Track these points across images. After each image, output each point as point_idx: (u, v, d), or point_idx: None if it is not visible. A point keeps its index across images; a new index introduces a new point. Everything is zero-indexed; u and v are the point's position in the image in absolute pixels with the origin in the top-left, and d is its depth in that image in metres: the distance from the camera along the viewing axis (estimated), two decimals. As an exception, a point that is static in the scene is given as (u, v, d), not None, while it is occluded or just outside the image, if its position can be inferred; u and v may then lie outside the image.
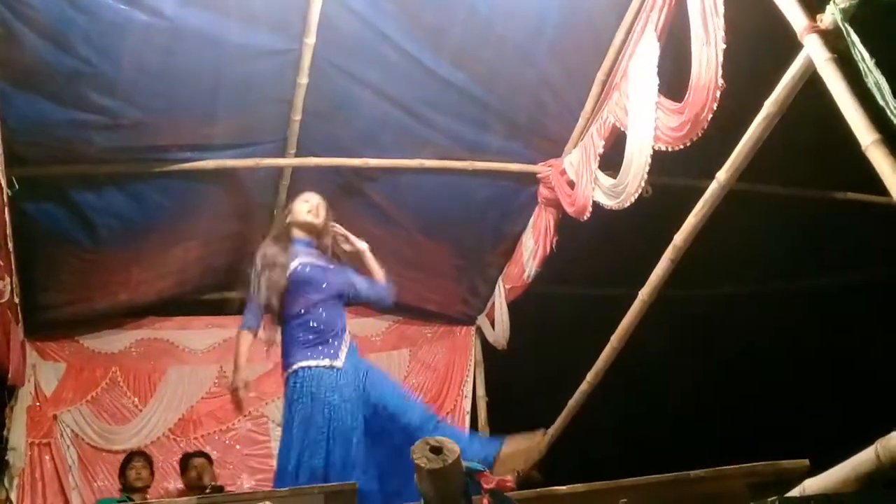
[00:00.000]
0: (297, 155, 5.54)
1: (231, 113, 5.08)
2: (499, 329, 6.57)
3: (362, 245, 4.43)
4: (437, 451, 2.11)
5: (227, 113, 5.07)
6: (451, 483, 2.13)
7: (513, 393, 6.79)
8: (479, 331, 7.03)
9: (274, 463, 6.27)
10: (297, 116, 5.25)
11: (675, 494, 2.64)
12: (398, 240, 6.30)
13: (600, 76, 5.03)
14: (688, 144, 4.15)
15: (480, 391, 6.93)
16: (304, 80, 4.97)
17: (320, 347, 4.00)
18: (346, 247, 4.43)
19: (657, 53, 4.28)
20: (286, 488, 3.13)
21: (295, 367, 3.96)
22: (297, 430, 3.80)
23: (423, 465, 2.08)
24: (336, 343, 4.04)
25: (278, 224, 4.39)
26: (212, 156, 5.33)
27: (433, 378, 6.96)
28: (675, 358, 6.57)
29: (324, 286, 4.16)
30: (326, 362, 3.97)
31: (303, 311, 4.07)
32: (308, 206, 4.36)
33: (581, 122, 5.32)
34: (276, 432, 6.40)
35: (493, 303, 6.66)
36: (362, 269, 4.43)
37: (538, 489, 2.56)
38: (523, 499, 2.33)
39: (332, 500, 2.38)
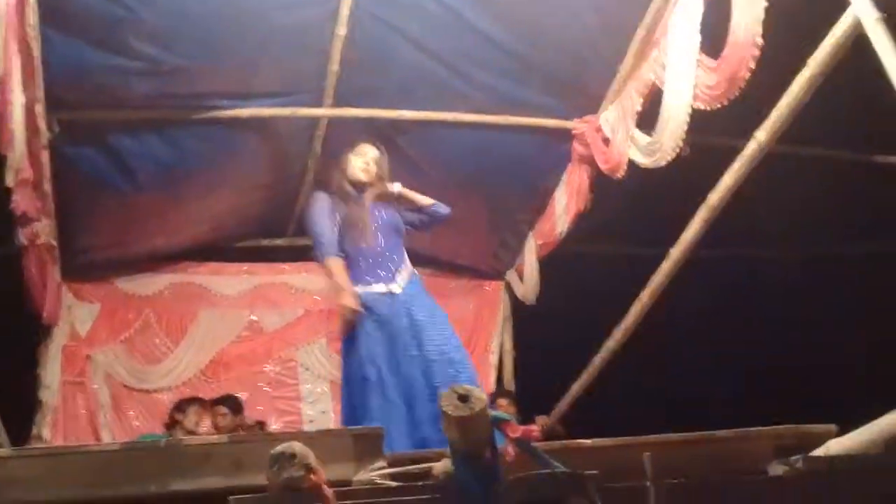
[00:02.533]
0: (333, 106, 5.53)
1: (269, 62, 5.09)
2: (528, 284, 6.58)
3: (396, 188, 4.38)
4: (464, 398, 2.13)
5: (265, 61, 5.08)
6: (477, 431, 2.15)
7: (540, 348, 6.81)
8: (509, 286, 7.03)
9: (301, 405, 6.46)
10: (335, 67, 5.23)
11: (700, 453, 2.64)
12: (430, 193, 6.16)
13: (641, 32, 4.96)
14: (725, 104, 4.10)
15: (508, 346, 6.95)
16: (342, 30, 4.95)
17: (379, 272, 4.01)
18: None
19: (701, 9, 4.20)
20: (312, 431, 3.19)
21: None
22: (352, 360, 3.87)
23: (450, 412, 2.10)
24: (393, 269, 4.03)
25: (335, 171, 4.38)
26: (249, 104, 5.33)
27: (461, 331, 6.80)
28: (705, 318, 6.53)
29: (376, 225, 4.16)
30: (382, 287, 3.97)
31: (358, 247, 4.08)
32: (361, 163, 4.32)
33: (619, 78, 5.26)
34: (305, 376, 6.54)
35: (524, 258, 6.66)
36: (411, 207, 4.43)
37: (564, 441, 2.58)
38: (549, 450, 2.35)
39: (360, 441, 2.42)
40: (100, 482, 2.20)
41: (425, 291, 4.14)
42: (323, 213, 4.20)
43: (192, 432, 5.59)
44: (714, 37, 4.16)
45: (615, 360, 5.55)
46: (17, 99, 3.99)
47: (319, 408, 6.39)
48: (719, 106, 4.14)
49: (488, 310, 7.04)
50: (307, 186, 6.28)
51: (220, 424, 5.72)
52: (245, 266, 6.83)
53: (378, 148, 4.42)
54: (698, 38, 4.23)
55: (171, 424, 5.63)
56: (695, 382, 6.65)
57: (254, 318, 6.66)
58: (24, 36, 4.01)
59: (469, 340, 6.93)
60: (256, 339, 6.60)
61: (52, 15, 4.29)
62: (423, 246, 6.96)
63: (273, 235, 6.95)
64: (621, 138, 5.06)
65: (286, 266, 6.90)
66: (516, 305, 6.98)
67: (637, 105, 4.94)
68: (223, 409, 5.76)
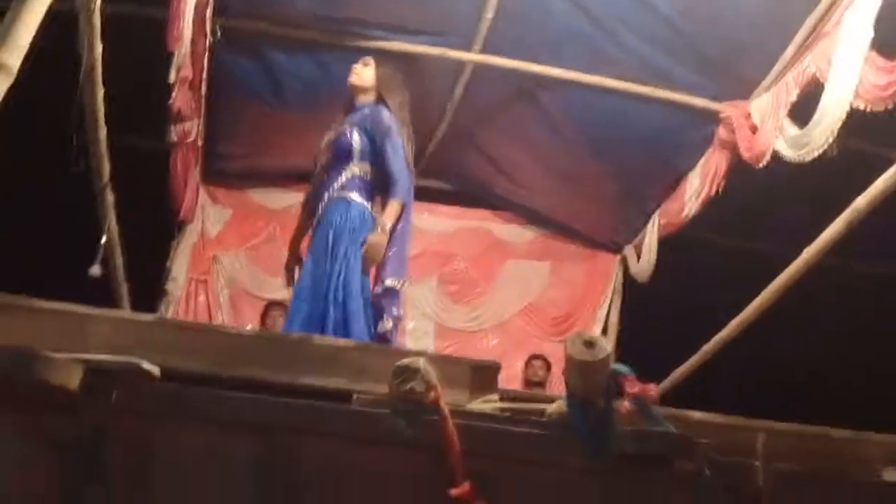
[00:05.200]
0: (481, 52, 5.55)
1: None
2: (644, 262, 6.52)
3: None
4: (590, 344, 2.16)
5: (423, -1, 5.14)
6: (596, 378, 2.19)
7: (646, 327, 6.75)
8: (624, 260, 6.98)
9: (405, 340, 6.58)
10: (489, 14, 5.24)
11: (810, 447, 2.60)
12: (562, 155, 6.29)
13: (810, 21, 4.79)
14: (890, 107, 3.95)
15: (613, 319, 6.91)
16: (501, -23, 4.96)
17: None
18: None
19: (878, 4, 4.04)
20: (435, 353, 3.26)
21: None
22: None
23: (574, 355, 2.14)
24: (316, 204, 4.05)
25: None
26: (400, 38, 5.41)
27: (569, 296, 7.00)
28: (828, 325, 6.31)
29: (328, 151, 4.09)
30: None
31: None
32: (352, 76, 4.22)
33: (778, 66, 5.10)
34: (412, 312, 6.66)
35: (644, 235, 6.59)
36: None
37: (673, 409, 2.58)
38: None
39: (478, 372, 2.48)
40: (234, 362, 2.33)
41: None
42: None
43: None
44: (888, 37, 4.00)
45: (726, 350, 5.45)
46: (191, -1, 4.16)
47: (422, 344, 6.48)
48: (883, 108, 3.99)
49: (599, 281, 7.02)
50: (442, 129, 6.36)
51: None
52: (369, 200, 6.96)
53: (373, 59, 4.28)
54: (871, 34, 4.07)
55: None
56: (802, 387, 6.48)
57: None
58: (203, -63, 4.18)
59: (575, 308, 6.96)
60: (371, 271, 6.72)
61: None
62: (543, 205, 7.00)
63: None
64: (770, 127, 4.93)
65: (409, 204, 7.00)
66: (628, 281, 6.93)
67: (793, 95, 4.80)
68: (281, 311, 5.84)
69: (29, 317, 2.24)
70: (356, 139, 4.01)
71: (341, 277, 3.78)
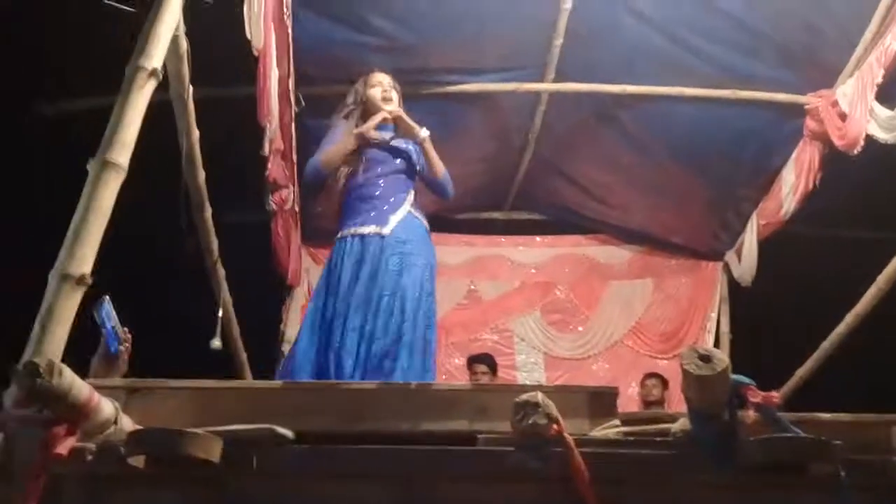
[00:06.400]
0: (555, 80, 5.61)
1: (496, 36, 5.24)
2: (745, 265, 6.41)
3: (424, 133, 3.98)
4: (706, 359, 2.16)
5: (491, 37, 5.23)
6: (717, 391, 2.18)
7: (759, 332, 6.60)
8: (727, 266, 6.87)
9: (516, 374, 6.62)
10: (559, 41, 5.30)
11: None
12: (650, 170, 6.26)
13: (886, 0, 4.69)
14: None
15: (724, 327, 6.79)
16: (567, 4, 5.00)
17: (372, 214, 3.72)
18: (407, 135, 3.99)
19: (957, -27, 3.94)
20: (551, 385, 3.28)
21: (339, 235, 3.76)
22: (315, 297, 3.68)
23: (692, 371, 2.15)
24: (387, 211, 3.73)
25: (353, 101, 4.12)
26: (475, 79, 5.53)
27: (676, 311, 6.93)
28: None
29: (388, 161, 3.89)
30: (372, 228, 3.68)
31: (362, 182, 3.82)
32: (381, 92, 4.02)
33: (859, 49, 4.99)
34: (520, 346, 6.73)
35: (743, 238, 6.48)
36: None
37: (799, 413, 2.54)
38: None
39: (596, 399, 2.50)
40: (360, 416, 2.41)
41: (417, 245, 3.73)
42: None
43: None
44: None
45: (844, 348, 5.28)
46: (274, 73, 4.36)
47: (534, 377, 6.52)
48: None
49: (704, 290, 6.93)
50: (526, 160, 6.43)
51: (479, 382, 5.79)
52: (464, 237, 7.08)
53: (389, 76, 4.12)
54: (954, 4, 3.97)
55: None
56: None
57: (473, 287, 6.91)
58: (280, 15, 4.37)
59: (684, 321, 6.87)
60: (475, 308, 6.85)
61: (305, -6, 4.61)
62: (638, 222, 6.97)
63: (491, 209, 7.13)
64: (860, 112, 4.82)
65: (503, 239, 7.09)
66: (735, 287, 6.80)
67: (878, 76, 4.68)
68: (483, 368, 5.75)
69: (168, 397, 2.37)
70: (417, 155, 3.96)
71: (424, 300, 3.58)
